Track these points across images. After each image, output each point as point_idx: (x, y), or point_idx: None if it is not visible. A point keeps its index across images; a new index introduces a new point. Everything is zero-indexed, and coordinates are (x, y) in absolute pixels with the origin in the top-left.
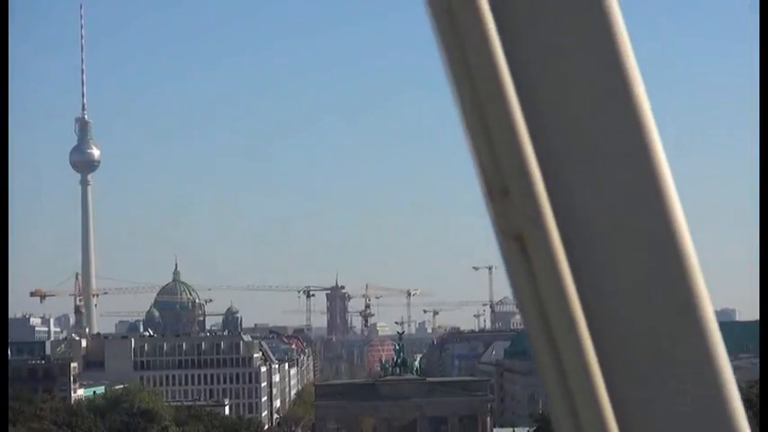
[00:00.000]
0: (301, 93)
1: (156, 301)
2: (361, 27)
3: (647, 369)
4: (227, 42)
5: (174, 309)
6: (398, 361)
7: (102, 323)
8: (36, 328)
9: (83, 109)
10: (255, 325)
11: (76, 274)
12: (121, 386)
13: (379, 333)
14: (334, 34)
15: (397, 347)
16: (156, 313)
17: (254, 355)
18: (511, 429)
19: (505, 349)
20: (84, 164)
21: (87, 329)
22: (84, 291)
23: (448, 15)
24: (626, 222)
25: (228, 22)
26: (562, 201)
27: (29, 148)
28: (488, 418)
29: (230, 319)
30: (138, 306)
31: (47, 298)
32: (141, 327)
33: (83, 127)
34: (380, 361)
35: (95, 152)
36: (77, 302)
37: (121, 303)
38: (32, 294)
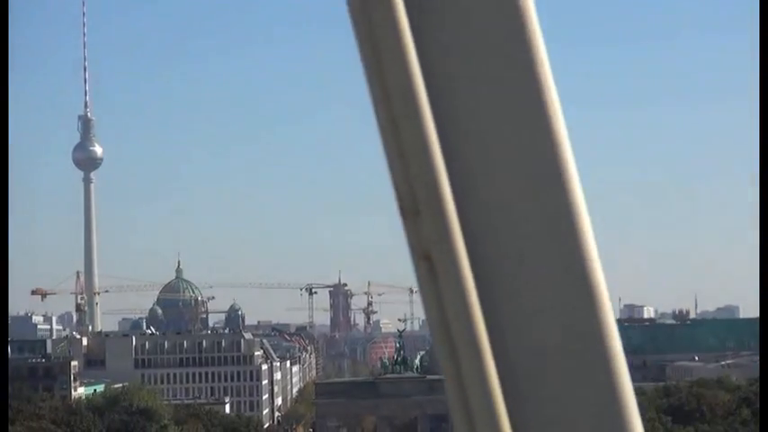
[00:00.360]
0: (302, 87)
1: (158, 299)
2: None
3: (548, 388)
4: (232, 39)
5: (176, 306)
6: (398, 359)
7: (106, 321)
8: (38, 326)
9: (85, 106)
10: (258, 322)
11: (77, 273)
12: (120, 385)
13: (383, 330)
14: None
15: (398, 345)
16: (159, 311)
17: (255, 353)
18: None
19: None
20: (86, 161)
21: (90, 327)
22: (87, 289)
23: (368, 33)
24: (534, 244)
25: (234, 17)
26: (472, 222)
27: (31, 146)
28: None
29: (233, 316)
30: (141, 304)
31: (49, 296)
32: (144, 325)
33: (86, 124)
34: (381, 359)
35: (98, 150)
36: (78, 300)
37: (124, 301)
38: (33, 293)
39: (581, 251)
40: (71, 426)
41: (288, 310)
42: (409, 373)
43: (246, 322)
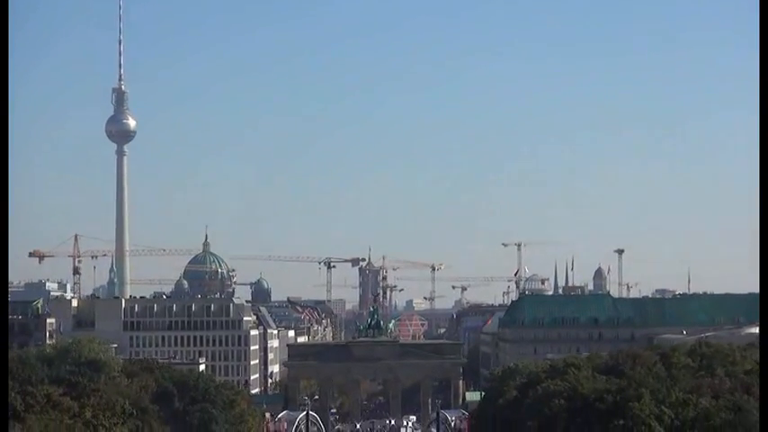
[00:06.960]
0: (333, 61)
1: (185, 271)
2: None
3: None
4: (265, 13)
5: (202, 279)
6: (372, 322)
7: (136, 291)
8: (52, 293)
9: (119, 79)
10: (288, 298)
11: (75, 236)
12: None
13: (416, 309)
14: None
15: (372, 309)
16: (185, 283)
17: (245, 318)
18: (479, 393)
19: (500, 319)
20: (119, 134)
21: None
22: (118, 259)
23: None
24: None
25: None
26: None
27: (65, 118)
28: (461, 382)
29: (258, 290)
30: (172, 275)
31: (48, 258)
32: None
33: (119, 97)
34: (356, 323)
35: (131, 122)
36: (76, 264)
37: (153, 273)
38: (31, 255)
39: None
40: (12, 374)
41: (315, 286)
42: (383, 338)
43: (275, 297)
